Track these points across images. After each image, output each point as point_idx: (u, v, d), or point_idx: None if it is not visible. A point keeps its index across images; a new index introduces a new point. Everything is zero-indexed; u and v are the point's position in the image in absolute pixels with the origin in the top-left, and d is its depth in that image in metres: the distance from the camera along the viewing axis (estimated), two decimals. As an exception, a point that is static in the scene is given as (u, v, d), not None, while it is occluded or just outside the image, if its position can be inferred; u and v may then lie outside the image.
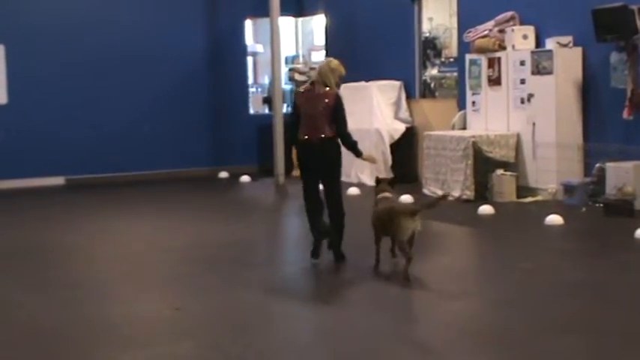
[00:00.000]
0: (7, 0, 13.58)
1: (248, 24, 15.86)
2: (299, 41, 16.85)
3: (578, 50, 10.55)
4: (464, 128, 11.91)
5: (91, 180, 13.89)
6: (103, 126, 14.14)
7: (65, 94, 13.92)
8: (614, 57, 10.03)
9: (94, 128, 13.91)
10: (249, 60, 16.19)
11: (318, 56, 16.18)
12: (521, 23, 11.22)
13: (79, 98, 14.02)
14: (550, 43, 10.65)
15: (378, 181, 7.61)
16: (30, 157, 13.70)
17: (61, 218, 10.67)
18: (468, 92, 11.84)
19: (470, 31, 11.70)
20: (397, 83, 13.35)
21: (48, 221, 10.44)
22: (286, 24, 15.85)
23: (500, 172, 10.76)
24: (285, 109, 14.40)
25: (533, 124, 10.75)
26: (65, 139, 13.91)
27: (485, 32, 11.42)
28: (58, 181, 13.97)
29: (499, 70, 11.23)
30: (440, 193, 11.17)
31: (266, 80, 16.29)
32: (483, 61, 11.46)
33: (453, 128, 12.05)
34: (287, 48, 16.02)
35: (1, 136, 13.47)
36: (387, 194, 7.35)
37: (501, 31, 11.28)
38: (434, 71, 13.58)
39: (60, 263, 8.00)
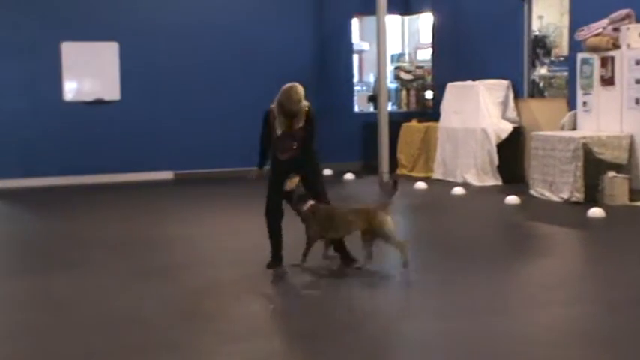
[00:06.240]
0: (122, -1, 14.09)
1: (355, 22, 15.90)
2: (405, 39, 16.81)
3: (698, 49, 10.17)
4: (573, 129, 11.64)
5: (199, 175, 14.20)
6: (210, 123, 14.44)
7: (175, 91, 14.28)
8: None
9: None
10: (355, 58, 16.23)
11: (425, 55, 16.10)
12: (637, 21, 10.87)
13: (188, 95, 14.36)
14: (667, 42, 10.30)
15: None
16: (141, 152, 14.12)
17: (169, 211, 10.95)
18: (579, 92, 11.55)
19: (582, 30, 11.41)
20: (505, 82, 13.14)
21: (157, 214, 10.74)
22: (393, 22, 15.82)
23: (611, 174, 10.46)
24: (390, 107, 14.37)
25: (648, 125, 10.43)
26: (175, 135, 14.27)
27: (599, 30, 11.11)
28: (168, 175, 14.35)
29: (612, 70, 10.92)
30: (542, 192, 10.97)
31: (372, 78, 16.30)
32: (596, 60, 11.17)
33: (562, 129, 11.78)
34: (393, 46, 15.99)
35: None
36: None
37: (615, 30, 10.95)
38: (543, 70, 13.31)
39: (165, 255, 8.17)
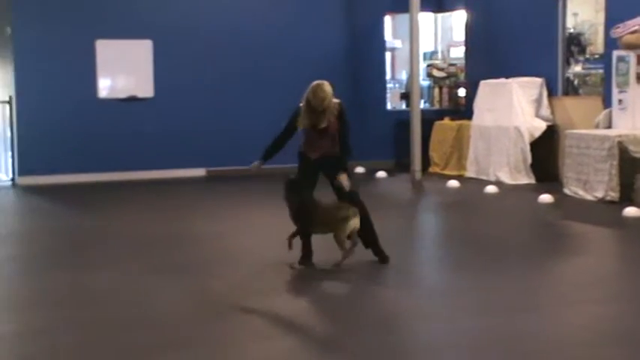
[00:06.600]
0: (156, -3, 14.17)
1: (387, 19, 15.86)
2: (438, 37, 16.73)
3: None
4: (609, 127, 11.51)
5: (231, 172, 14.23)
6: (242, 120, 14.48)
7: (208, 88, 14.33)
8: None
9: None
10: (388, 55, 16.19)
11: (457, 52, 16.02)
12: (674, 18, 10.75)
13: (220, 93, 14.40)
14: None
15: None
16: (174, 149, 14.19)
17: (200, 208, 10.99)
18: (615, 90, 11.43)
19: (618, 27, 11.29)
20: (539, 80, 13.03)
21: (188, 211, 10.77)
22: (425, 19, 15.75)
23: (647, 173, 10.35)
24: (422, 105, 14.30)
25: (685, 123, 10.29)
26: (207, 133, 14.32)
27: (635, 28, 10.99)
28: (200, 172, 14.42)
29: (649, 68, 10.81)
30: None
31: (404, 76, 16.25)
32: (632, 57, 11.04)
33: (597, 127, 11.67)
34: (426, 44, 15.93)
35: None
36: None
37: (653, 27, 10.84)
38: (577, 68, 13.19)
39: (193, 252, 8.19)
